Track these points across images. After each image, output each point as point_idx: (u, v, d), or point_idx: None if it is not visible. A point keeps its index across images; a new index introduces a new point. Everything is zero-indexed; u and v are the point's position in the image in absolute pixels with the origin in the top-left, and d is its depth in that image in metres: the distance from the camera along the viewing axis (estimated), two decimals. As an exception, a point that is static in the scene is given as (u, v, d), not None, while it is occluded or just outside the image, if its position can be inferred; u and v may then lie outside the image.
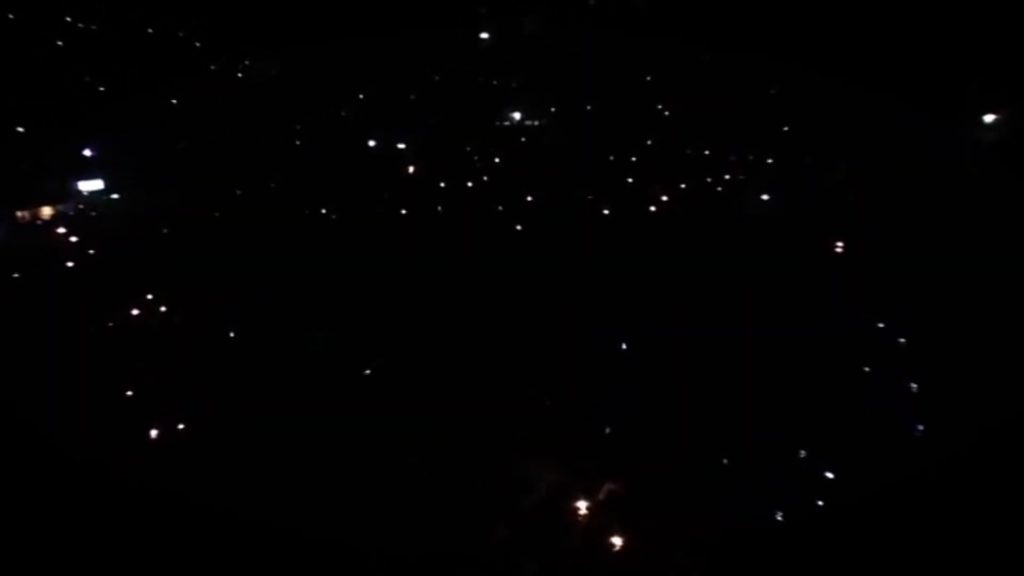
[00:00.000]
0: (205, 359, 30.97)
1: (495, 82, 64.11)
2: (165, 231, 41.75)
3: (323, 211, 43.86)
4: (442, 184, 47.68)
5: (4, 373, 27.18)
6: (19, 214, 43.19)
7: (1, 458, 23.64)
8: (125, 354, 31.07)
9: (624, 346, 28.24)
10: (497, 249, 36.31)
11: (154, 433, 26.49)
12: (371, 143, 54.50)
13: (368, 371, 28.57)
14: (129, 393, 28.41)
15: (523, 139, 57.99)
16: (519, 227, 39.06)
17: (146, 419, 26.87)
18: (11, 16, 55.31)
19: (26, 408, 25.45)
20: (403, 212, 43.87)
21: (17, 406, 25.43)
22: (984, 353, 26.38)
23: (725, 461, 23.49)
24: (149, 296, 35.14)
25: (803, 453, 23.05)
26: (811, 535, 20.42)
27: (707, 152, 50.58)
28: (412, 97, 60.62)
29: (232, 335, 33.16)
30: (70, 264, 37.77)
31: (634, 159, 50.41)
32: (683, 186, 43.16)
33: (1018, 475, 21.46)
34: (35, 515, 21.61)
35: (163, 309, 34.80)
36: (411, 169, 51.18)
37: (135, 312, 34.40)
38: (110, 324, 33.29)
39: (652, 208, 40.68)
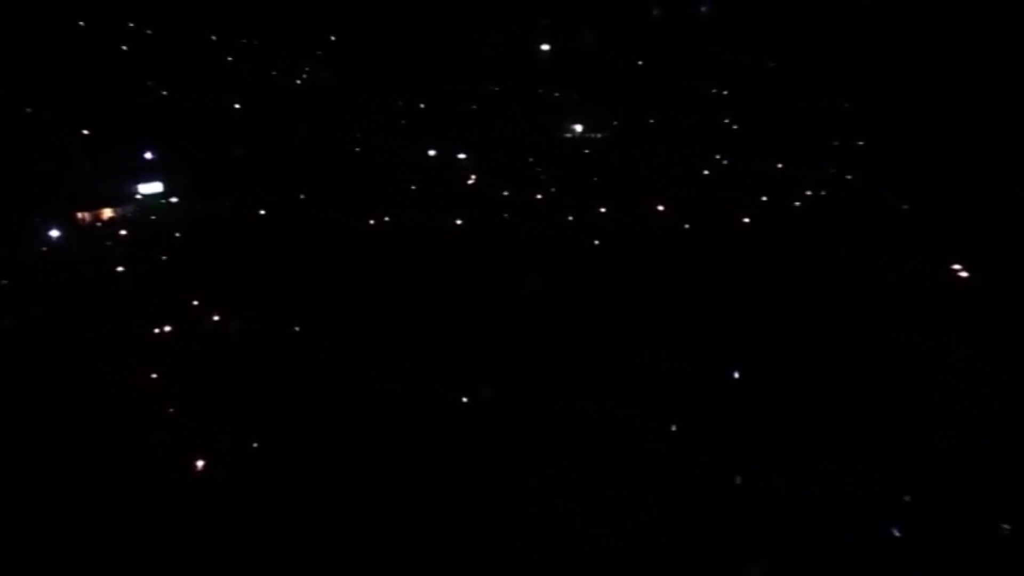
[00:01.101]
0: (258, 367, 29.90)
1: (556, 94, 62.90)
2: (221, 236, 41.06)
3: (386, 219, 42.54)
4: (505, 193, 46.20)
5: (51, 374, 26.62)
6: (79, 215, 42.95)
7: (32, 457, 23.12)
8: (175, 361, 30.21)
9: (729, 368, 26.51)
10: (573, 262, 34.88)
11: (199, 442, 25.70)
12: (431, 152, 53.47)
13: (465, 399, 27.04)
14: (176, 402, 27.36)
15: (586, 151, 56.59)
16: (596, 241, 37.42)
17: (193, 428, 26.10)
18: (81, 23, 55.67)
19: (67, 410, 24.83)
20: (460, 222, 42.51)
21: (59, 406, 24.81)
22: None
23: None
24: (197, 303, 34.05)
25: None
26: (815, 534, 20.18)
27: (780, 166, 48.71)
28: (473, 107, 59.47)
29: (286, 343, 31.87)
30: (126, 268, 36.99)
31: (706, 172, 48.60)
32: (764, 199, 41.15)
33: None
34: (57, 520, 21.28)
35: (216, 318, 33.71)
36: (472, 179, 49.95)
37: (187, 318, 33.34)
38: (164, 329, 32.20)
39: (745, 220, 38.76)
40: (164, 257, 38.49)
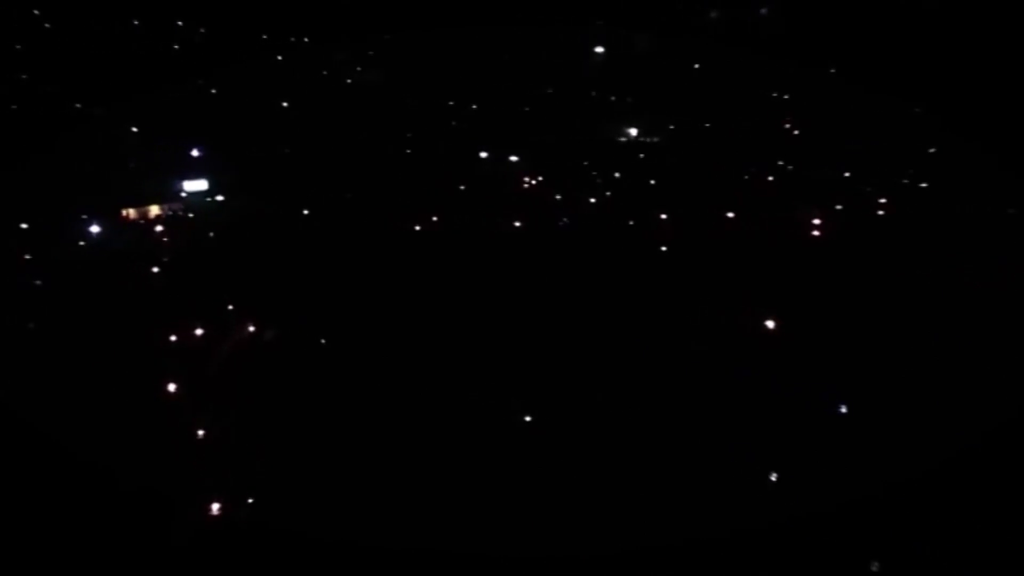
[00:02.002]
0: (292, 379, 28.41)
1: (611, 97, 61.24)
2: (263, 236, 39.80)
3: (433, 219, 41.29)
4: (558, 197, 44.61)
5: (68, 378, 25.89)
6: (124, 212, 42.47)
7: (42, 462, 22.55)
8: (204, 369, 29.07)
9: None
10: (634, 269, 33.12)
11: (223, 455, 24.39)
12: (482, 154, 52.22)
13: (528, 418, 25.42)
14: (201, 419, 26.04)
15: (641, 155, 54.76)
16: (663, 248, 35.54)
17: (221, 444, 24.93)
18: (136, 22, 56.34)
19: (80, 415, 24.05)
20: (518, 224, 40.91)
21: (72, 411, 24.09)
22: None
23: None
24: (231, 307, 32.72)
25: None
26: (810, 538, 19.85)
27: (848, 174, 46.30)
28: (526, 109, 58.02)
29: (323, 353, 30.45)
30: (163, 269, 35.98)
31: (771, 179, 46.43)
32: (838, 207, 38.90)
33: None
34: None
35: (251, 328, 32.12)
36: (526, 182, 48.49)
37: (219, 324, 31.99)
38: (195, 333, 30.95)
39: (814, 232, 36.63)
40: (204, 258, 37.34)
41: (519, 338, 29.42)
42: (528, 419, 25.16)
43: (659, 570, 19.21)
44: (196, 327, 30.40)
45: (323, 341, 30.62)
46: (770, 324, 29.13)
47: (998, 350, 26.33)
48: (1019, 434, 22.08)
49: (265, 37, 58.30)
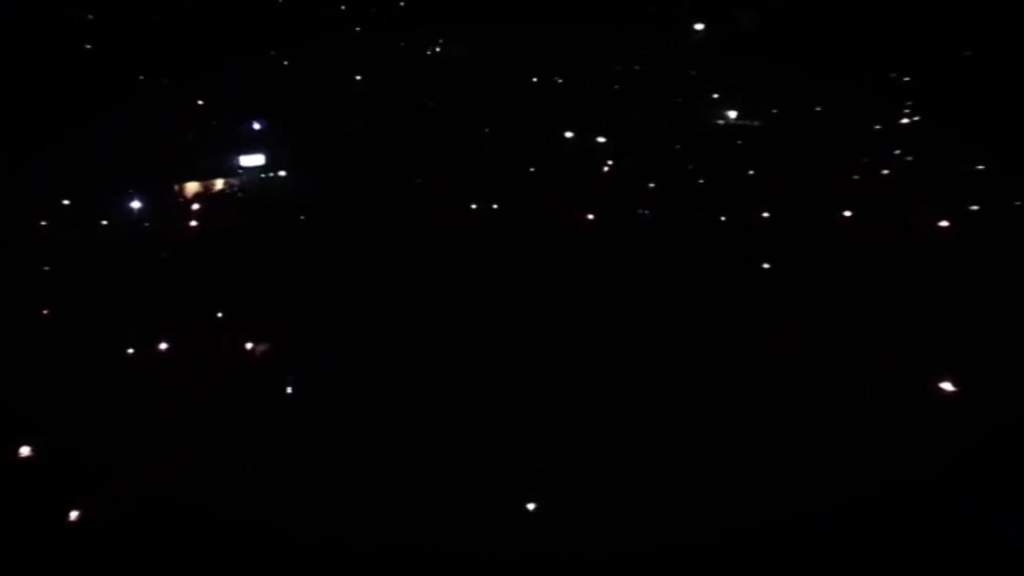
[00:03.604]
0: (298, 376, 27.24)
1: (708, 77, 57.00)
2: (308, 219, 38.01)
3: (494, 206, 38.76)
4: (651, 185, 41.04)
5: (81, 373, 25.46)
6: (177, 188, 41.21)
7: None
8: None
9: None
10: (731, 271, 29.84)
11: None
12: (568, 134, 48.86)
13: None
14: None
15: (739, 141, 50.30)
16: (770, 263, 31.70)
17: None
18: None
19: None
20: (592, 217, 37.79)
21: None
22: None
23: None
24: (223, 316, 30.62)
25: None
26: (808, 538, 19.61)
27: (981, 167, 40.83)
28: (615, 87, 54.31)
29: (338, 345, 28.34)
30: (203, 251, 34.21)
31: (886, 172, 41.35)
32: (974, 208, 33.92)
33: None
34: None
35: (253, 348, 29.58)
36: (610, 165, 45.08)
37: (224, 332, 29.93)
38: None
39: (940, 229, 32.18)
40: (252, 236, 35.64)
41: (535, 339, 28.08)
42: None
43: (659, 571, 19.03)
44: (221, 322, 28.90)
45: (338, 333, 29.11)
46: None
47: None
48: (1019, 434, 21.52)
49: (342, 7, 55.98)
